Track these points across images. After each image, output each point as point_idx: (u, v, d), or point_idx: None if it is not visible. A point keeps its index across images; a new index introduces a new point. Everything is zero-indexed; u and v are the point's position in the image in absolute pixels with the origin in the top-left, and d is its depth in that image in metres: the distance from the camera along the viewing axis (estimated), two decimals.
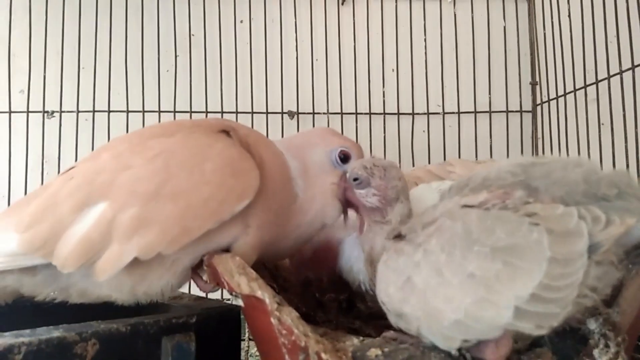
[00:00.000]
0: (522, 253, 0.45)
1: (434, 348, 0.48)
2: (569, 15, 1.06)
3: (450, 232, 0.49)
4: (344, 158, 0.68)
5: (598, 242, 0.45)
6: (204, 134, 0.62)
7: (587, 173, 0.51)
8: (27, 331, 0.51)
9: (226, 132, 0.65)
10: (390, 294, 0.52)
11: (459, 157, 1.19)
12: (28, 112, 1.12)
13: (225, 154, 0.60)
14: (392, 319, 0.53)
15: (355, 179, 0.63)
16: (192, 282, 0.64)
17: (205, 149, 0.60)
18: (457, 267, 0.47)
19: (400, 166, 0.69)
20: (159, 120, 1.14)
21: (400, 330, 0.51)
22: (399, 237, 0.55)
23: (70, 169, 0.63)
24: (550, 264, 0.44)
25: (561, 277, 0.44)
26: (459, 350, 0.47)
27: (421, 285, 0.49)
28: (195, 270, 0.62)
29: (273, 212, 0.63)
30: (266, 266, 0.76)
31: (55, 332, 0.51)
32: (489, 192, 0.52)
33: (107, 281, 0.57)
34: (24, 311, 0.60)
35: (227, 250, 0.61)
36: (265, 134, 0.85)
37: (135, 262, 0.56)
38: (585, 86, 1.00)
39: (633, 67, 0.85)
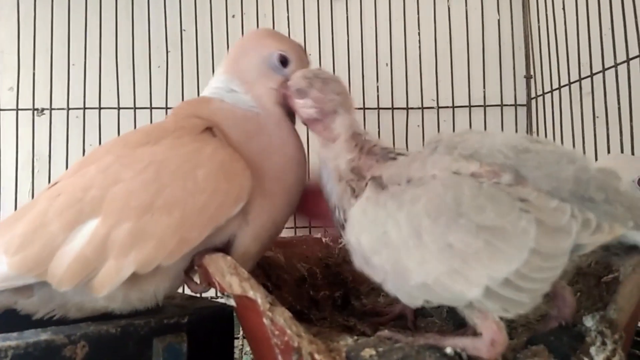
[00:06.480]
0: (507, 237, 0.45)
1: (429, 347, 0.47)
2: (564, 8, 1.05)
3: (440, 200, 0.48)
4: (284, 61, 0.66)
5: (584, 244, 0.46)
6: (190, 138, 0.61)
7: (579, 171, 0.50)
8: (15, 334, 0.50)
9: (209, 129, 0.63)
10: (362, 241, 0.52)
11: None
12: (17, 109, 1.09)
13: (216, 158, 0.59)
14: (357, 261, 0.53)
15: (296, 89, 0.63)
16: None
17: (195, 154, 0.59)
18: (439, 235, 0.47)
19: None
20: (151, 116, 1.12)
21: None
22: (378, 180, 0.55)
23: (55, 184, 0.61)
24: (532, 254, 0.44)
25: (539, 270, 0.45)
26: (454, 349, 0.47)
27: (397, 242, 0.49)
28: (187, 271, 0.61)
29: (268, 186, 0.62)
30: (259, 264, 0.75)
31: (43, 335, 0.51)
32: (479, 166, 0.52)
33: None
34: (10, 314, 0.59)
35: (226, 247, 0.60)
36: None
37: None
38: (580, 79, 0.99)
39: (628, 60, 0.84)
